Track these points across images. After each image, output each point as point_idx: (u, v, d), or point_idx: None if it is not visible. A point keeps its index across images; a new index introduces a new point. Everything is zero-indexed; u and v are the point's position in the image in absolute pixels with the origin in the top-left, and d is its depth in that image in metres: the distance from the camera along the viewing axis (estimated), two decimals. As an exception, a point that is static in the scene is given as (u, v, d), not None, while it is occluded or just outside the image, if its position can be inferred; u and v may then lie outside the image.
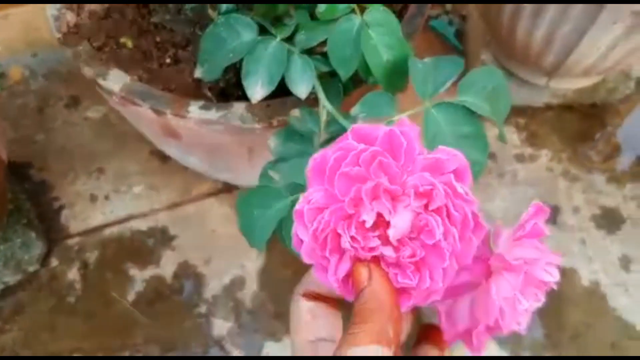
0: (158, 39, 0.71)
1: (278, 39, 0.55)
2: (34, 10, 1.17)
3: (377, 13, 0.52)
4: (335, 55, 0.52)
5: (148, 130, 0.72)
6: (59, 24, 0.66)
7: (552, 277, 0.33)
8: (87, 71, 0.64)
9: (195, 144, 0.69)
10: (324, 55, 0.55)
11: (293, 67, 0.54)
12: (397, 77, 0.51)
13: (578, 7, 0.76)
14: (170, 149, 0.77)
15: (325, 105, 0.53)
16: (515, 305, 0.31)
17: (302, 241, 0.31)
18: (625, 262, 1.03)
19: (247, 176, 0.80)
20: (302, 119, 0.56)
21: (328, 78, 0.58)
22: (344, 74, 0.53)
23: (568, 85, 1.05)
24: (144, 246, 1.04)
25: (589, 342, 0.96)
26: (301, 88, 0.54)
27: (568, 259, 1.03)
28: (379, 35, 0.50)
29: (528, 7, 0.80)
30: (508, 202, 1.08)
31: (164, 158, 1.11)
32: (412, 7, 0.69)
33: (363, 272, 0.28)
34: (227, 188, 1.09)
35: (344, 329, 0.29)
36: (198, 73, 0.58)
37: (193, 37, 0.70)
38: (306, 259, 0.31)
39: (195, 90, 0.67)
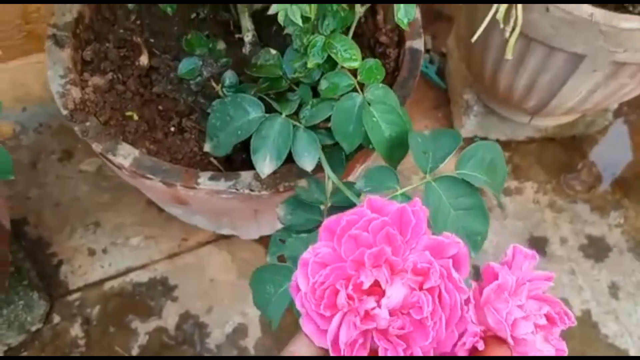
0: (161, 108, 0.73)
1: (283, 115, 0.58)
2: (20, 66, 1.18)
3: (377, 90, 0.55)
4: (338, 131, 0.55)
5: (155, 197, 0.73)
6: (65, 100, 0.67)
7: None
8: (96, 147, 0.65)
9: (203, 209, 0.71)
10: (328, 129, 0.58)
11: (299, 142, 0.57)
12: (398, 150, 0.54)
13: (559, 58, 0.80)
14: (175, 210, 0.79)
15: (331, 177, 0.56)
16: None
17: (299, 289, 0.33)
18: (614, 290, 1.07)
19: (251, 231, 0.82)
20: (309, 189, 0.58)
21: (331, 146, 0.61)
22: (348, 147, 0.56)
23: (549, 122, 1.10)
24: (145, 298, 1.05)
25: (584, 370, 1.00)
26: (307, 161, 0.57)
27: (559, 289, 1.07)
28: (380, 112, 0.54)
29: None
30: (499, 236, 1.11)
31: (160, 208, 1.12)
32: (404, 70, 0.72)
33: None
34: (224, 235, 1.10)
35: None
36: (207, 147, 0.60)
37: (196, 105, 0.72)
38: (299, 307, 0.33)
39: (201, 158, 0.69)
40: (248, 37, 0.66)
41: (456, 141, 0.51)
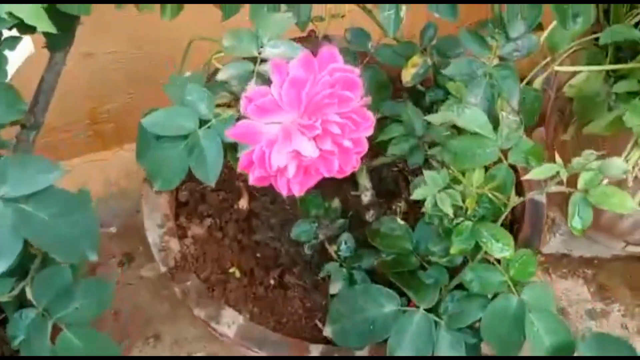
0: (259, 255, 0.68)
1: (421, 309, 0.52)
2: (81, 164, 1.15)
3: (533, 290, 0.49)
4: (490, 332, 0.49)
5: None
6: (165, 256, 0.63)
7: None
8: (198, 312, 0.60)
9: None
10: (471, 327, 0.52)
11: (442, 344, 0.51)
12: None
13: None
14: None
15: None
16: None
17: None
18: None
19: None
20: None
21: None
22: (502, 352, 0.49)
23: (640, 249, 1.04)
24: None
25: None
26: (452, 364, 0.51)
27: None
28: (540, 321, 0.48)
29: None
30: (588, 369, 1.03)
31: (223, 321, 1.06)
32: (526, 225, 0.67)
33: None
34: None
35: None
36: (329, 332, 0.55)
37: (298, 256, 0.67)
38: None
39: (307, 321, 0.64)
40: (367, 196, 0.62)
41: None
